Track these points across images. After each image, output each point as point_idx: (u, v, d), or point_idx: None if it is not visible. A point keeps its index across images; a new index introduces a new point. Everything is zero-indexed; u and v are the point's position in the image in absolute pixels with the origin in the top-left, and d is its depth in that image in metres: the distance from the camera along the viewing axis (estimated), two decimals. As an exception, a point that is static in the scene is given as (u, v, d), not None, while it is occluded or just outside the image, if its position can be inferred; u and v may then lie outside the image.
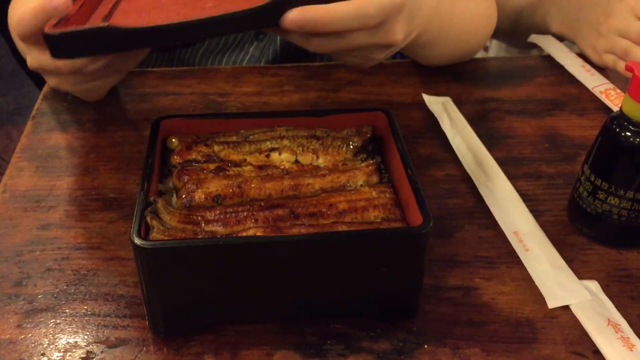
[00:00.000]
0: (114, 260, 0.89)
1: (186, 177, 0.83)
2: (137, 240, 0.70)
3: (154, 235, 0.74)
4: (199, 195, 0.81)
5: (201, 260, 0.71)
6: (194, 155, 0.87)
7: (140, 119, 1.16)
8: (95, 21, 0.83)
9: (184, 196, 0.81)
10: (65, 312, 0.81)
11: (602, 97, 1.24)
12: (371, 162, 0.89)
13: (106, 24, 0.76)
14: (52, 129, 1.15)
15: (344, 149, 0.91)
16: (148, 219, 0.75)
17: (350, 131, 0.93)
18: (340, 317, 0.80)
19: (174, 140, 0.89)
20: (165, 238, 0.74)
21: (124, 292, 0.84)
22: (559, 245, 0.91)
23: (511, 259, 0.90)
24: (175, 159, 0.87)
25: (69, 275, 0.86)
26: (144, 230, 0.74)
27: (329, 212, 0.80)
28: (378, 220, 0.81)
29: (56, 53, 0.78)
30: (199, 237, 0.75)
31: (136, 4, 0.86)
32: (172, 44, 0.80)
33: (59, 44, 0.76)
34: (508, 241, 0.92)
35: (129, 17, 0.82)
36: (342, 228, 0.77)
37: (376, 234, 0.73)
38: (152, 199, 0.77)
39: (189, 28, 0.76)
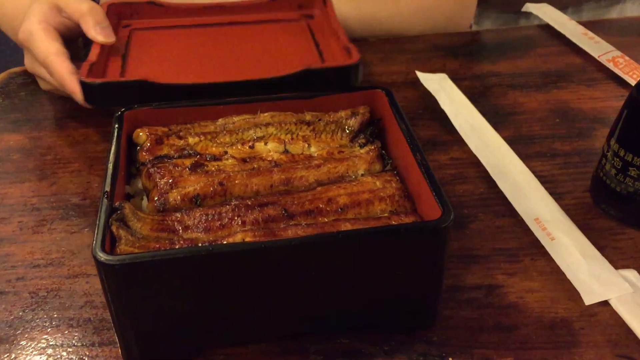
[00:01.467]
0: (79, 277, 0.76)
1: (158, 176, 0.71)
2: (101, 256, 0.57)
3: (122, 247, 0.62)
4: (175, 197, 0.69)
5: (181, 274, 0.59)
6: (165, 150, 0.75)
7: (101, 114, 1.03)
8: (114, 72, 0.95)
9: (156, 198, 0.69)
10: (22, 344, 0.69)
11: (610, 66, 1.14)
12: (372, 147, 0.77)
13: (145, 78, 0.87)
14: (2, 130, 1.01)
15: (338, 134, 0.79)
16: (114, 228, 0.62)
17: (345, 113, 0.81)
18: (348, 331, 0.69)
19: (141, 133, 0.77)
20: (136, 250, 0.62)
21: (92, 315, 0.71)
22: (586, 231, 0.81)
23: (535, 249, 0.79)
24: (144, 156, 0.74)
25: (25, 298, 0.73)
26: (110, 243, 0.61)
27: (328, 209, 0.69)
28: (386, 215, 0.69)
29: (90, 99, 0.89)
30: (177, 246, 0.63)
31: (145, 58, 0.99)
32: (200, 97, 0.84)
33: (96, 92, 0.88)
34: (529, 230, 0.81)
35: (141, 70, 0.94)
36: (345, 226, 0.65)
37: (388, 232, 0.62)
38: (117, 204, 0.64)
39: (221, 88, 0.86)
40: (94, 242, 0.59)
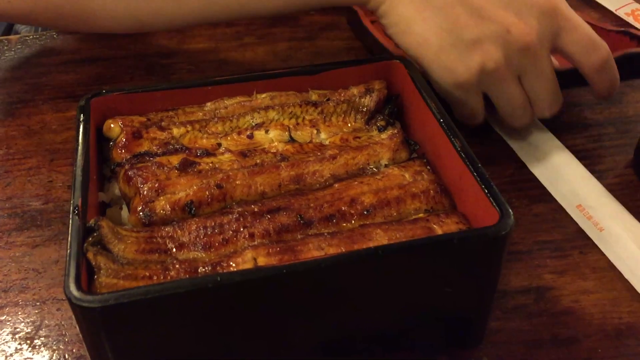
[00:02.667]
0: (48, 303, 0.63)
1: (139, 180, 0.57)
2: (77, 296, 0.44)
3: (103, 280, 0.48)
4: (162, 205, 0.56)
5: (181, 312, 0.46)
6: (145, 146, 0.61)
7: (61, 97, 0.89)
8: None
9: (139, 209, 0.55)
10: (-19, 398, 0.55)
11: (631, 20, 1.03)
12: (394, 131, 0.64)
13: None
14: (-58, 121, 0.85)
15: (351, 115, 0.66)
16: (90, 256, 0.49)
17: (358, 90, 0.68)
18: (382, 353, 0.57)
19: (112, 125, 0.62)
20: (121, 283, 0.49)
21: (68, 354, 0.58)
22: (637, 215, 0.70)
23: (583, 241, 0.69)
24: (120, 154, 0.60)
25: (-19, 336, 0.60)
26: (87, 275, 0.48)
27: (352, 211, 0.56)
28: (421, 215, 0.57)
29: None
30: (172, 272, 0.50)
31: None
32: None
33: None
34: (571, 218, 0.70)
35: None
36: (378, 235, 0.53)
37: (438, 244, 0.50)
38: (92, 222, 0.51)
39: None
40: (66, 276, 0.46)
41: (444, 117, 0.60)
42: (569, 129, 0.83)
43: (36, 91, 0.90)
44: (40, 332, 0.60)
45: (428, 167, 0.61)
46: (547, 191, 0.74)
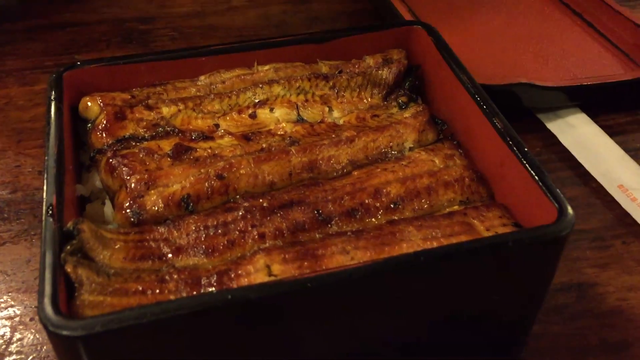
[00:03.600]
0: (19, 312, 0.54)
1: (125, 171, 0.48)
2: (55, 320, 0.36)
3: (86, 297, 0.40)
4: (154, 200, 0.47)
5: (186, 339, 0.38)
6: (130, 129, 0.52)
7: (27, 68, 0.78)
8: None
9: (127, 205, 0.46)
10: None
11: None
12: (419, 108, 0.56)
13: None
14: None
15: (368, 90, 0.58)
16: (69, 269, 0.40)
17: (374, 61, 0.59)
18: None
19: (90, 103, 0.53)
20: (108, 301, 0.40)
21: (44, 375, 0.50)
22: (681, 199, 0.63)
23: (624, 229, 0.62)
24: (100, 139, 0.51)
25: (-59, 354, 0.51)
26: (66, 292, 0.39)
27: (377, 204, 0.48)
28: (456, 207, 0.49)
29: None
30: (170, 285, 0.41)
31: None
32: None
33: None
34: (614, 201, 0.63)
35: None
36: (410, 233, 0.45)
37: (492, 247, 0.42)
38: (70, 225, 0.42)
39: None
40: (40, 296, 0.37)
41: (479, 91, 0.52)
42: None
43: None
44: (11, 347, 0.51)
45: (459, 150, 0.53)
46: (581, 172, 0.67)
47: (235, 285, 0.41)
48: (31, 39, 0.83)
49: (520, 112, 0.72)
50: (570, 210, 0.43)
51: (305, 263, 0.43)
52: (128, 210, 0.46)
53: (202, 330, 0.38)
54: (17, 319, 0.53)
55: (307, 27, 0.86)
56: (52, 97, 0.50)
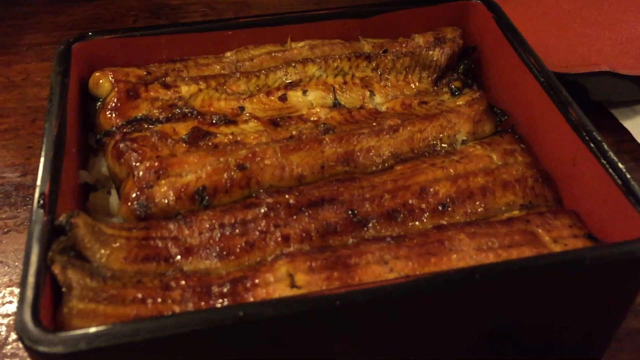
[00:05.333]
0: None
1: (134, 157, 0.42)
2: (34, 334, 0.30)
3: (75, 304, 0.34)
4: (164, 192, 0.40)
5: (197, 357, 0.32)
6: (144, 109, 0.46)
7: (50, 43, 0.74)
8: None
9: (133, 196, 0.40)
10: None
11: None
12: (475, 95, 0.48)
13: None
14: None
15: (416, 73, 0.50)
16: (56, 269, 0.34)
17: (424, 40, 0.52)
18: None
19: (101, 80, 0.47)
20: (102, 309, 0.34)
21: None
22: None
23: None
24: (110, 119, 0.45)
25: None
26: (51, 298, 0.33)
27: (422, 205, 0.41)
28: (517, 213, 0.42)
29: None
30: (175, 294, 0.35)
31: None
32: None
33: None
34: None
35: None
36: (462, 242, 0.38)
37: (563, 265, 0.34)
38: (62, 218, 0.36)
39: None
40: (20, 303, 0.31)
41: (549, 77, 0.44)
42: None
43: (20, 35, 0.75)
44: (6, 349, 0.46)
45: (521, 145, 0.46)
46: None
47: (250, 298, 0.35)
48: (55, 12, 0.78)
49: (589, 106, 0.64)
50: (661, 223, 0.35)
51: (335, 273, 0.36)
52: (134, 202, 0.40)
53: (207, 352, 0.32)
54: (14, 316, 0.48)
55: (351, 3, 0.78)
56: (57, 72, 0.45)
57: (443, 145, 0.46)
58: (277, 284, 0.36)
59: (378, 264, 0.37)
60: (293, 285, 0.36)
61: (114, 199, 0.43)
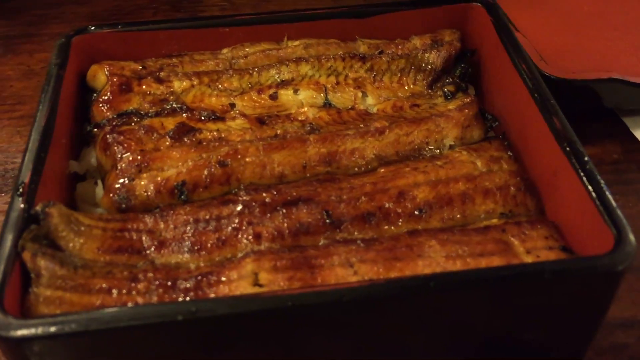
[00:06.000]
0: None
1: (119, 149, 0.43)
2: (-4, 318, 0.31)
3: (42, 291, 0.35)
4: (145, 185, 0.42)
5: (138, 353, 0.33)
6: (135, 103, 0.47)
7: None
8: None
9: (116, 187, 0.41)
10: None
11: None
12: (466, 99, 0.48)
13: None
14: None
15: (411, 75, 0.50)
16: (26, 256, 0.35)
17: (421, 42, 0.51)
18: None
19: (97, 72, 0.48)
20: (68, 296, 0.35)
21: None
22: None
23: None
24: (101, 111, 0.46)
25: None
26: (21, 284, 0.35)
27: (398, 209, 0.41)
28: (495, 221, 0.41)
29: None
30: (140, 286, 0.36)
31: None
32: None
33: None
34: None
35: None
36: (432, 249, 0.38)
37: (521, 276, 0.34)
38: (39, 207, 0.37)
39: None
40: (-13, 287, 0.33)
41: (538, 84, 0.44)
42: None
43: (43, 24, 0.77)
44: None
45: (509, 152, 0.45)
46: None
47: (213, 293, 0.36)
48: (78, 3, 0.80)
49: (601, 112, 0.63)
50: (632, 238, 0.34)
51: (299, 274, 0.36)
52: (116, 194, 0.41)
53: (161, 345, 0.32)
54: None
55: (368, 0, 0.78)
56: (54, 64, 0.46)
57: (430, 148, 0.46)
58: (241, 281, 0.36)
59: (343, 267, 0.37)
60: (256, 283, 0.36)
61: (100, 189, 0.44)
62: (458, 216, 0.41)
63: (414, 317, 0.34)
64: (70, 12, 0.78)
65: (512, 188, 0.43)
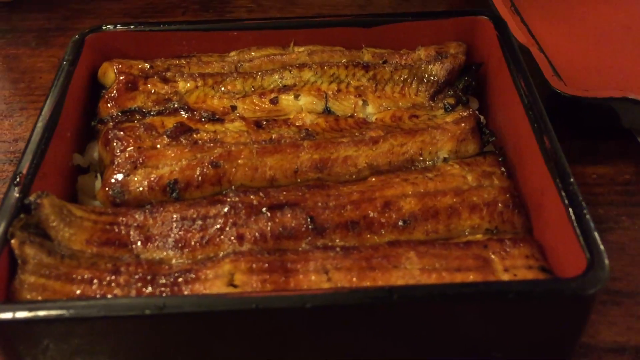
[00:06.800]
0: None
1: (118, 145, 0.45)
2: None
3: (26, 277, 0.37)
4: (139, 182, 0.43)
5: (122, 341, 0.34)
6: (139, 101, 0.48)
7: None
8: None
9: (111, 182, 0.43)
10: None
11: None
12: (465, 112, 0.48)
13: None
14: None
15: (413, 86, 0.50)
16: (14, 244, 0.37)
17: (425, 53, 0.51)
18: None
19: (107, 70, 0.50)
20: (51, 284, 0.37)
21: None
22: None
23: None
24: (107, 108, 0.48)
25: None
26: (8, 268, 0.37)
27: (382, 219, 0.41)
28: (479, 237, 0.41)
29: None
30: (122, 279, 0.37)
31: None
32: None
33: None
34: None
35: None
36: (409, 261, 0.38)
37: (485, 295, 0.34)
38: (32, 197, 0.39)
39: None
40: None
41: (534, 101, 0.43)
42: None
43: (78, 19, 0.80)
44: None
45: (502, 168, 0.45)
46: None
47: (188, 291, 0.37)
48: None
49: (618, 131, 0.61)
50: (606, 263, 0.34)
51: (273, 277, 0.37)
52: (111, 188, 0.43)
53: (128, 336, 0.34)
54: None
55: (394, 9, 0.78)
56: (66, 60, 0.48)
57: (423, 160, 0.46)
58: (216, 280, 0.37)
59: (317, 273, 0.37)
60: (230, 283, 0.37)
61: (99, 183, 0.46)
62: (442, 229, 0.42)
63: (377, 327, 0.34)
64: (105, 7, 0.81)
65: (500, 204, 0.42)
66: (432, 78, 0.50)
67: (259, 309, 0.33)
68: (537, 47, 0.61)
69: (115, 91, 0.48)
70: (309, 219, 0.41)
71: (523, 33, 0.60)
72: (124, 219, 0.41)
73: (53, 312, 0.32)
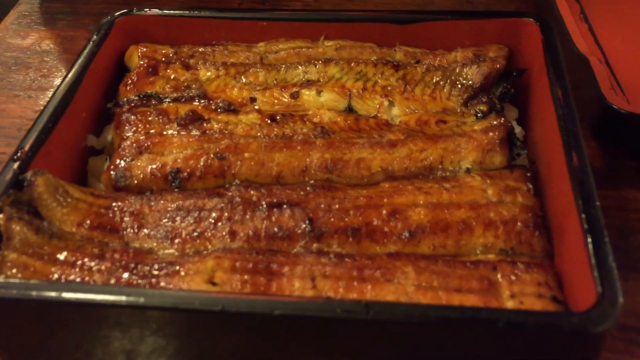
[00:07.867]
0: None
1: (127, 128, 0.44)
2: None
3: (9, 253, 0.36)
4: (141, 167, 0.42)
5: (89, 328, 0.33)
6: (158, 86, 0.47)
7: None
8: None
9: (115, 165, 0.42)
10: None
11: None
12: (496, 121, 0.44)
13: None
14: (34, 22, 0.79)
15: (445, 89, 0.47)
16: (1, 218, 0.37)
17: (462, 55, 0.48)
18: None
19: (133, 53, 0.50)
20: (31, 262, 0.36)
21: None
22: None
23: None
24: (126, 91, 0.48)
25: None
26: (-8, 244, 0.36)
27: (386, 228, 0.38)
28: (491, 257, 0.37)
29: None
30: (104, 266, 0.36)
31: None
32: None
33: None
34: None
35: None
36: (405, 276, 0.35)
37: (470, 322, 0.30)
38: (29, 174, 0.39)
39: None
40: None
41: (569, 112, 0.39)
42: None
43: (139, 3, 0.80)
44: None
45: (529, 184, 0.41)
46: None
47: (168, 285, 0.35)
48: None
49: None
50: (620, 299, 0.30)
51: (254, 279, 0.35)
52: (114, 172, 0.42)
53: (105, 327, 0.32)
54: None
55: (458, 8, 0.74)
56: (92, 40, 0.48)
57: (443, 168, 0.42)
58: (196, 276, 0.35)
59: (303, 279, 0.35)
60: (210, 281, 0.35)
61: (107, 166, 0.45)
62: (451, 245, 0.38)
63: (351, 345, 0.32)
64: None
65: (519, 224, 0.38)
66: (466, 82, 0.46)
67: (224, 312, 0.30)
68: (599, 58, 0.56)
69: (135, 75, 0.47)
70: (307, 221, 0.38)
71: (587, 42, 0.55)
72: (120, 204, 0.40)
73: (14, 292, 0.31)
